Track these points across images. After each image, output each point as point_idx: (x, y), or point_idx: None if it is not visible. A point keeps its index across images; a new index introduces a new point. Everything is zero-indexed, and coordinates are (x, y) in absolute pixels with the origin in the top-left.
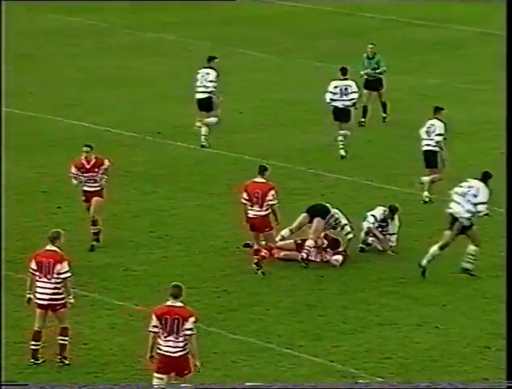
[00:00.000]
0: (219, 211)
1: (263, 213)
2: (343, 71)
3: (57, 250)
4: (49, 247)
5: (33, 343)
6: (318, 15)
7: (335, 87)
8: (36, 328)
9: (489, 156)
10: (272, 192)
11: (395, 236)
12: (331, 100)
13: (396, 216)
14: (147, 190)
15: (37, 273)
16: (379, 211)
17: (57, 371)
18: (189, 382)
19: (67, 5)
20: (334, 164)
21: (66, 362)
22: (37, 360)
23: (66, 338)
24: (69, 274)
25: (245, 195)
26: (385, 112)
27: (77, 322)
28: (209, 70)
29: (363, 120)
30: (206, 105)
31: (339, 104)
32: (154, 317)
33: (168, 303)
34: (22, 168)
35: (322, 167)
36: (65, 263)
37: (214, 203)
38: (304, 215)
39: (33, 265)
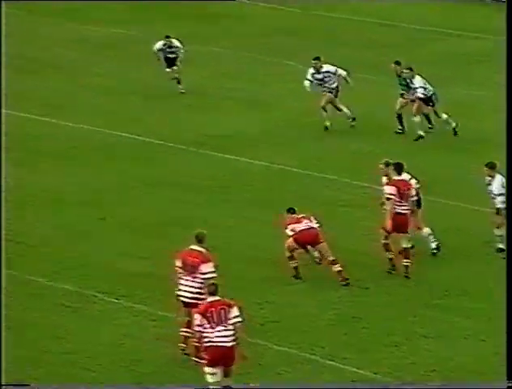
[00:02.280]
0: (261, 222)
1: (317, 226)
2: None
3: (203, 250)
4: (195, 247)
5: (184, 330)
6: (344, 24)
7: None
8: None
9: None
10: None
11: (502, 197)
12: None
13: (497, 174)
14: (199, 201)
15: (181, 271)
16: None
17: (56, 372)
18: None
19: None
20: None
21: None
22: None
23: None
24: (214, 275)
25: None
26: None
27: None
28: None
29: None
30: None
31: None
32: (198, 316)
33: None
34: (22, 170)
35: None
36: (210, 264)
37: (255, 214)
38: None
39: (178, 263)
